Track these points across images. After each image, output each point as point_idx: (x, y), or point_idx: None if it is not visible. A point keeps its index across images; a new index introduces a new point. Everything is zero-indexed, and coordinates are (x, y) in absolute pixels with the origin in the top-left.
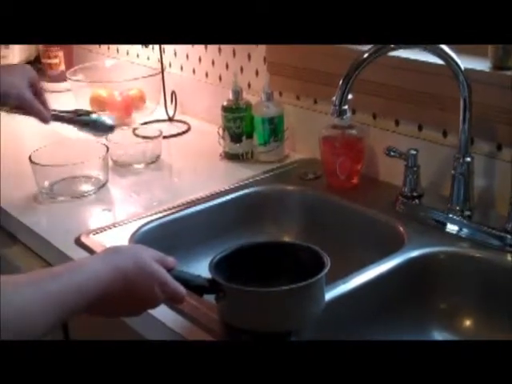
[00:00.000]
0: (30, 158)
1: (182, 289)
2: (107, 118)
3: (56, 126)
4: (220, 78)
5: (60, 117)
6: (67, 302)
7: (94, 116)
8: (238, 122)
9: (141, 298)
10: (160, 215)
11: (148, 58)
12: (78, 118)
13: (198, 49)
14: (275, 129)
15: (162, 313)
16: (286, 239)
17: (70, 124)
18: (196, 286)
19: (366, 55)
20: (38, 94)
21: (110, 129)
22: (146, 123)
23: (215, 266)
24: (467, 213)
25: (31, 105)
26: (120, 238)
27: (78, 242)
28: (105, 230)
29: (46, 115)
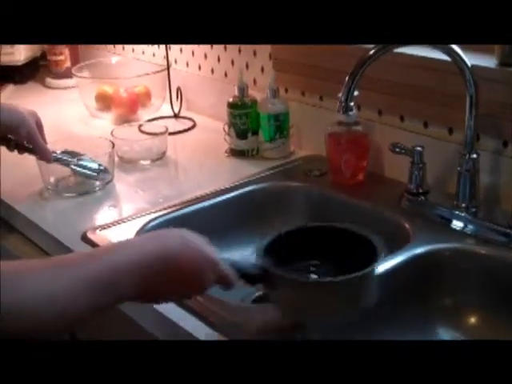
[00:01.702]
0: None
1: (233, 272)
2: (92, 166)
3: (62, 123)
4: (226, 75)
5: (58, 159)
6: (108, 283)
7: (83, 170)
8: (243, 119)
9: (191, 278)
10: (166, 211)
11: (154, 55)
12: (73, 168)
13: (204, 45)
14: (281, 125)
15: (171, 310)
16: None
17: (65, 166)
18: (248, 275)
19: (371, 52)
20: (42, 136)
21: (96, 175)
22: (151, 120)
23: (264, 255)
24: (473, 209)
25: (39, 143)
26: (126, 234)
27: (85, 238)
28: (111, 226)
29: (49, 155)
